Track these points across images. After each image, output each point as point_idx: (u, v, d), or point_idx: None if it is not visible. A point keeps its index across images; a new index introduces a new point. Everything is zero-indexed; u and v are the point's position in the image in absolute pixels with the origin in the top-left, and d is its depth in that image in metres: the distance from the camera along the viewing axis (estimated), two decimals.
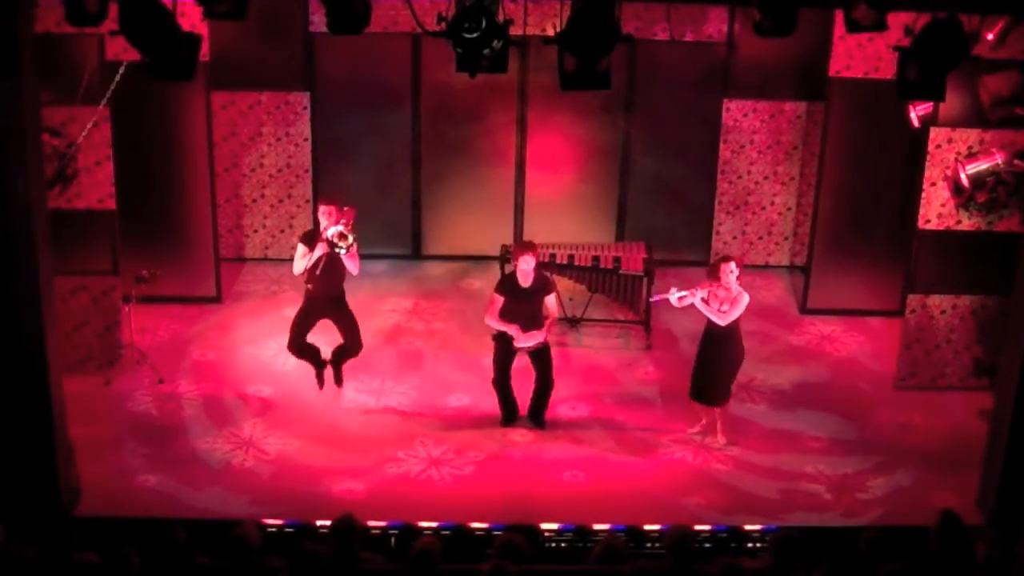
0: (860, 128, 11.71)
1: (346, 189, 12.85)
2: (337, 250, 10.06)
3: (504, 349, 10.36)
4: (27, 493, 8.93)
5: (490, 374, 10.87)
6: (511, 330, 10.20)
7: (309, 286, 10.33)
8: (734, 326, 10.02)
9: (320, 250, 10.10)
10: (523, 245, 10.45)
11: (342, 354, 10.69)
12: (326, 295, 10.34)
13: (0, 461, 8.95)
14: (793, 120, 12.79)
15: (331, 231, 10.03)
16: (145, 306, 11.27)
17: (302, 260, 10.19)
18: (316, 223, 10.51)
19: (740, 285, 9.92)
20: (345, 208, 10.16)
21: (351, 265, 10.17)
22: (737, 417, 10.68)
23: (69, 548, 7.10)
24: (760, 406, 10.92)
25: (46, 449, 9.02)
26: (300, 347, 10.57)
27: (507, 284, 10.28)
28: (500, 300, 10.19)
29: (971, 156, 10.45)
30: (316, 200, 12.40)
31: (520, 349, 10.30)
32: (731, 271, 9.86)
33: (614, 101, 12.51)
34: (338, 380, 10.77)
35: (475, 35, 7.71)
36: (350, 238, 10.03)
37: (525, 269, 10.11)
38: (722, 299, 9.91)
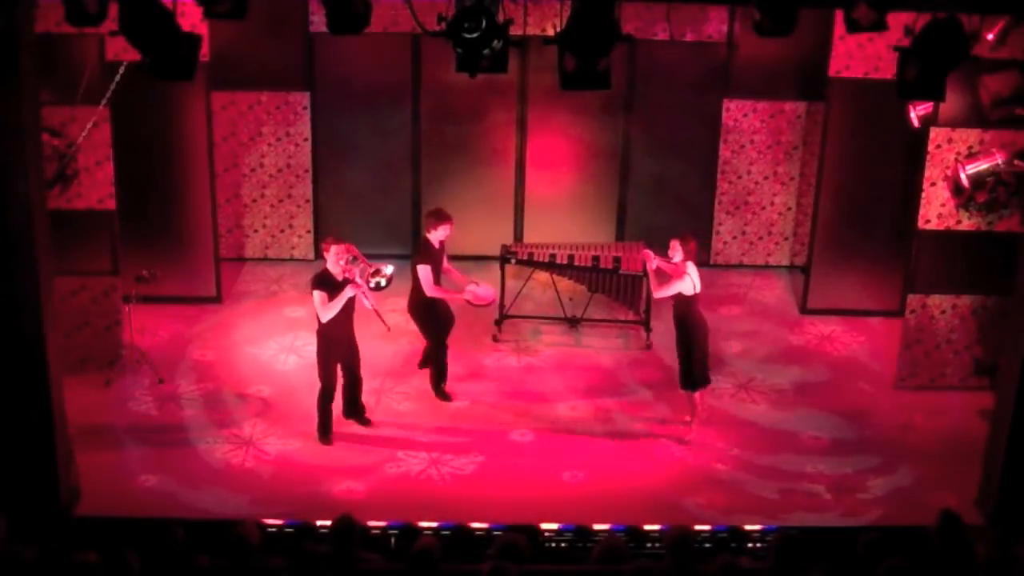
0: (860, 128, 11.71)
1: (346, 189, 12.91)
2: (381, 288, 10.05)
3: (444, 326, 10.65)
4: (27, 493, 8.93)
5: (489, 373, 10.91)
6: (465, 293, 10.61)
7: (339, 330, 9.96)
8: (688, 314, 10.12)
9: (350, 291, 9.85)
10: (445, 214, 10.47)
11: (354, 398, 10.44)
12: (350, 334, 10.15)
13: (0, 461, 8.95)
14: (793, 120, 12.79)
15: (371, 272, 10.00)
16: (145, 306, 11.27)
17: (330, 307, 9.82)
18: (318, 263, 10.25)
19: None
20: (347, 245, 10.04)
21: (370, 301, 10.09)
22: (737, 417, 10.70)
23: (69, 548, 7.09)
24: (760, 406, 10.92)
25: (46, 449, 9.02)
26: (331, 398, 10.25)
27: (429, 252, 10.37)
28: (430, 269, 10.32)
29: (971, 156, 10.45)
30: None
31: (480, 307, 10.81)
32: (674, 248, 10.09)
33: (614, 101, 12.52)
34: (366, 421, 10.52)
35: (475, 35, 7.71)
36: (386, 270, 10.02)
37: (443, 237, 10.38)
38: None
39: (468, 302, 10.75)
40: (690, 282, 10.01)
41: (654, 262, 10.32)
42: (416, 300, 10.56)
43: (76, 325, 10.92)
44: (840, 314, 12.31)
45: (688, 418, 10.43)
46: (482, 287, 10.79)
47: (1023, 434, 9.13)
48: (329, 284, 9.84)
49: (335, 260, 9.86)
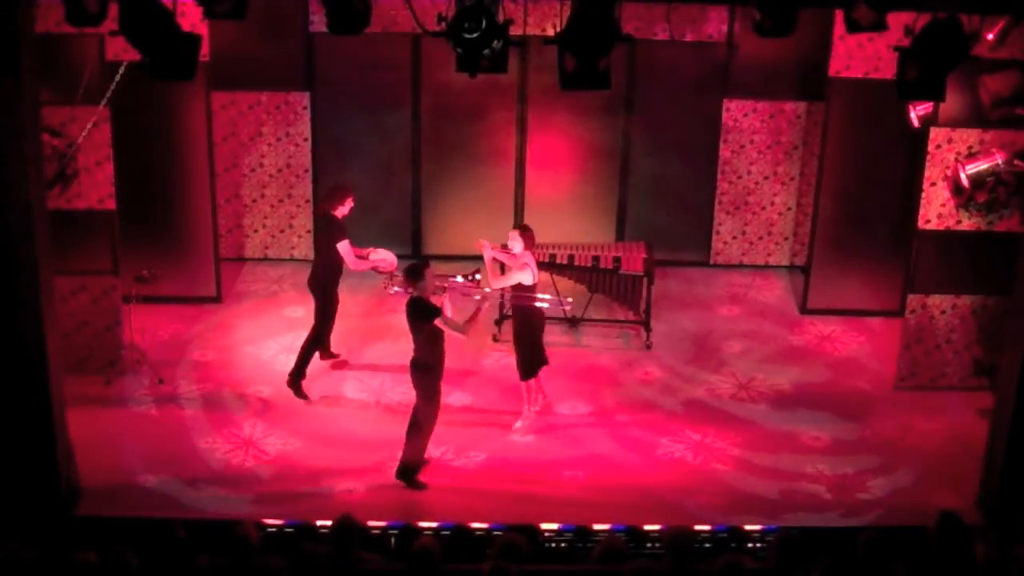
0: (860, 128, 11.71)
1: None
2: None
3: (334, 310, 10.89)
4: (27, 493, 8.93)
5: (489, 373, 10.87)
6: (372, 256, 10.72)
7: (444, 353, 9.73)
8: (526, 304, 10.23)
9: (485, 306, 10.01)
10: (347, 187, 10.77)
11: None
12: None
13: (0, 461, 8.95)
14: (793, 120, 12.79)
15: (471, 281, 10.13)
16: (145, 306, 11.26)
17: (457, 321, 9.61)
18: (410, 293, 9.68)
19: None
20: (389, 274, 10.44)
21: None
22: (737, 417, 10.70)
23: (69, 548, 7.09)
24: (760, 406, 10.92)
25: (46, 449, 9.02)
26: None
27: (343, 228, 10.59)
28: (348, 243, 10.59)
29: (971, 156, 10.45)
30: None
31: (385, 273, 10.64)
32: (514, 238, 10.26)
33: (614, 101, 12.52)
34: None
35: (475, 35, 7.71)
36: (463, 278, 10.15)
37: (347, 211, 10.61)
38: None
39: (376, 269, 10.79)
40: (530, 272, 10.16)
41: (489, 251, 10.43)
42: (321, 277, 10.77)
43: (76, 325, 10.92)
44: (840, 314, 12.31)
45: (535, 407, 10.51)
46: (385, 252, 10.86)
47: (1023, 434, 9.14)
48: (435, 308, 9.46)
49: (432, 285, 9.50)
